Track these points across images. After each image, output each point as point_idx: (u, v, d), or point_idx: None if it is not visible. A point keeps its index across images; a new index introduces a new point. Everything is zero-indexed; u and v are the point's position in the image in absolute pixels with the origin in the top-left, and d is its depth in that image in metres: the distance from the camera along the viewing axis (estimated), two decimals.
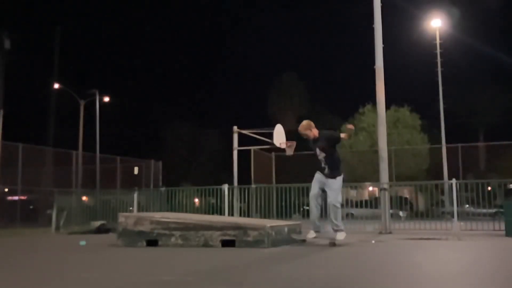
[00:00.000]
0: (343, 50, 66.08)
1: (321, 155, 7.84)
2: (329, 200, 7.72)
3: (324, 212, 8.05)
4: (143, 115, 57.20)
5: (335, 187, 7.76)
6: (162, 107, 54.95)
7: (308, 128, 7.94)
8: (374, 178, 18.31)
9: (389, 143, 15.39)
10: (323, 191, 7.85)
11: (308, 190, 13.58)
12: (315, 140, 7.93)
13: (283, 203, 13.69)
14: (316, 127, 8.06)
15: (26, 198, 19.10)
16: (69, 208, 15.59)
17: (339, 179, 7.84)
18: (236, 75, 70.38)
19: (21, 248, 8.83)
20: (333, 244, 7.72)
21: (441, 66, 27.65)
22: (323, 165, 7.84)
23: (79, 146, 28.58)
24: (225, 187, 13.68)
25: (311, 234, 8.01)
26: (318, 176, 7.91)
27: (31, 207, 19.31)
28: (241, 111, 54.18)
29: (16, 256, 7.35)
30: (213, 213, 14.51)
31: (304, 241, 8.27)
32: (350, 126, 7.91)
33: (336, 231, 7.84)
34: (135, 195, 14.80)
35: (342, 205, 8.07)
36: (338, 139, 7.94)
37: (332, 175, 7.80)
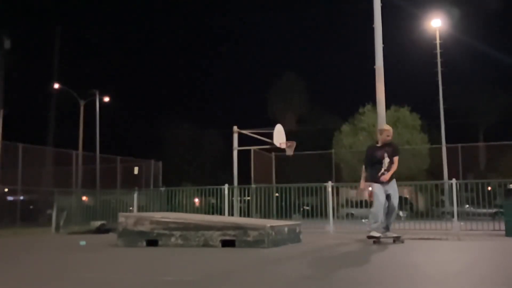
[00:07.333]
0: (343, 50, 66.11)
1: (386, 159, 8.72)
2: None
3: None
4: (143, 115, 57.23)
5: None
6: (162, 107, 54.98)
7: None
8: None
9: None
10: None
11: (308, 190, 13.67)
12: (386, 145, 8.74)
13: (283, 203, 13.68)
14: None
15: (26, 198, 19.09)
16: (69, 208, 15.56)
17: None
18: (236, 75, 70.42)
19: (21, 248, 8.82)
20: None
21: (441, 66, 27.59)
22: (383, 169, 8.66)
23: (79, 146, 28.60)
24: (225, 187, 13.68)
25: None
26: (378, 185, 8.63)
27: (31, 207, 19.29)
28: (241, 111, 54.22)
29: (16, 256, 7.34)
30: (213, 213, 14.49)
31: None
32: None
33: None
34: (135, 195, 14.79)
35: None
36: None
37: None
